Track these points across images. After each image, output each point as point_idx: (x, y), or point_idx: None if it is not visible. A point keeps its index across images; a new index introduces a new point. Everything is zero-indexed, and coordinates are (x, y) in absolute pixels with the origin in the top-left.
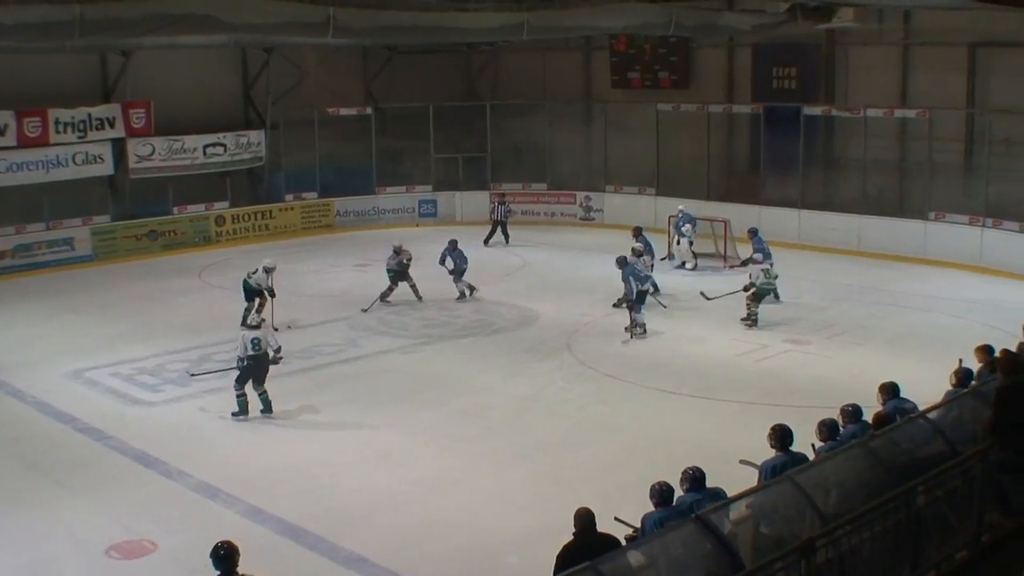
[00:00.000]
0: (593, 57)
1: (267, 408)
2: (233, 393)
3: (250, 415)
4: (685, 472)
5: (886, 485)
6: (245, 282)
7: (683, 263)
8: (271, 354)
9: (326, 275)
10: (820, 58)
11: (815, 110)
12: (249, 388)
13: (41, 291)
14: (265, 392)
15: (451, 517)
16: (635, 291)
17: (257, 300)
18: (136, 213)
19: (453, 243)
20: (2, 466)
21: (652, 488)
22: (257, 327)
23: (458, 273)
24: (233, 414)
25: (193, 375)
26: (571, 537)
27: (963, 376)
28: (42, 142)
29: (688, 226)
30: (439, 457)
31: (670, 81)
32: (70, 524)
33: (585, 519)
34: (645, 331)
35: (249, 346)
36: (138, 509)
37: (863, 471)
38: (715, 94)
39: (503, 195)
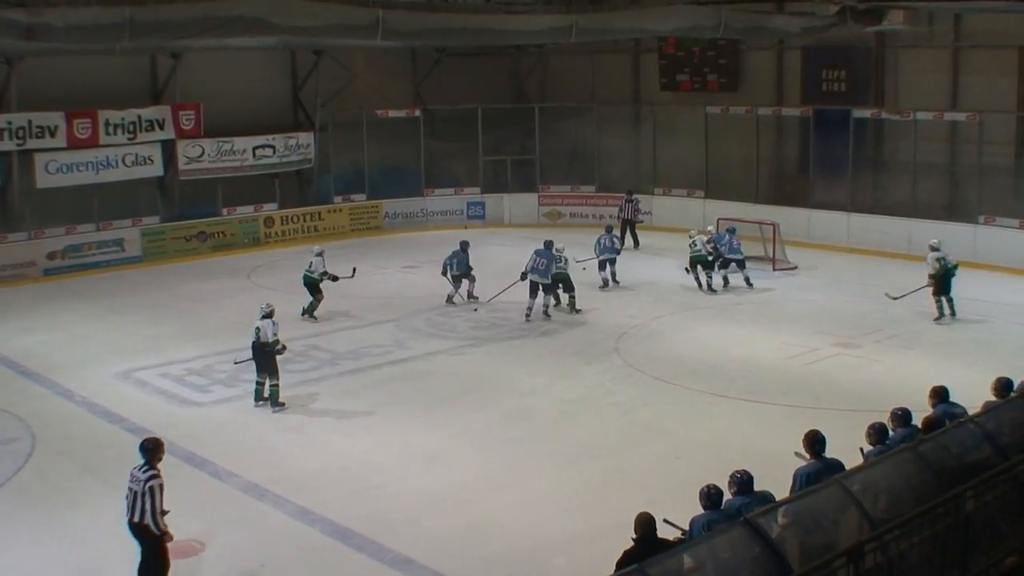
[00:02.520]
0: (642, 59)
1: (272, 401)
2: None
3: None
4: (733, 475)
5: (935, 490)
6: (305, 277)
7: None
8: (267, 344)
9: (374, 277)
10: (870, 61)
11: (864, 113)
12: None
13: (90, 292)
14: (276, 386)
15: (498, 519)
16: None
17: (319, 295)
18: (185, 214)
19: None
20: (52, 465)
21: (701, 491)
22: (266, 316)
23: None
24: (255, 402)
25: (237, 363)
26: (630, 543)
27: (1003, 387)
28: (92, 143)
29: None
30: (486, 459)
31: (719, 84)
32: (118, 524)
33: (646, 525)
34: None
35: (253, 333)
36: (186, 509)
37: (912, 475)
38: (764, 97)
39: (631, 192)
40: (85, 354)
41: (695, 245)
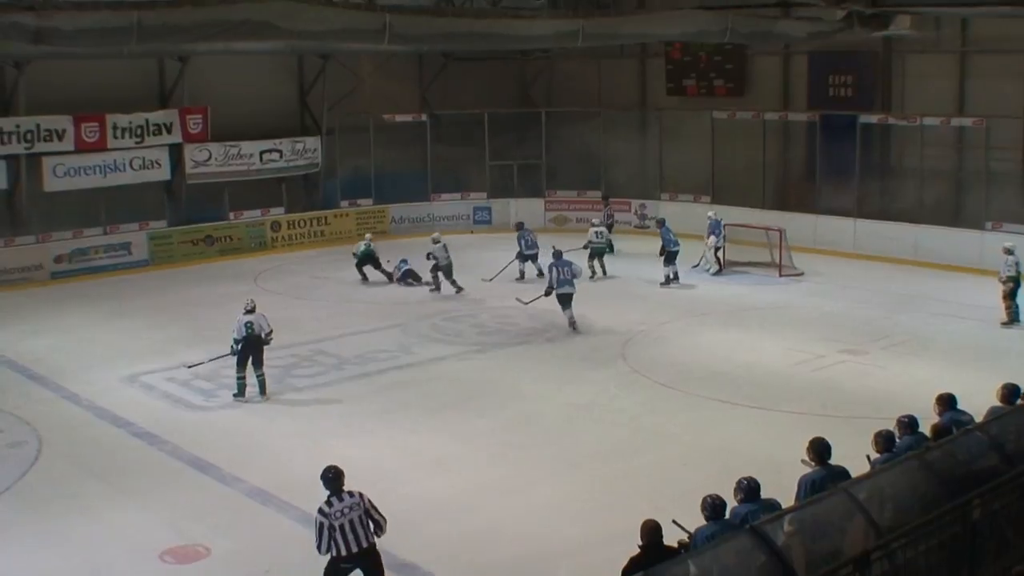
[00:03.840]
0: (648, 64)
1: (262, 390)
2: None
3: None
4: (739, 483)
5: (942, 498)
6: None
7: (708, 267)
8: (263, 336)
9: (380, 281)
10: (876, 66)
11: (871, 118)
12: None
13: (98, 295)
14: (263, 375)
15: (503, 525)
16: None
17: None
18: (192, 218)
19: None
20: (57, 469)
21: (704, 501)
22: (252, 311)
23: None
24: (234, 396)
25: (190, 367)
26: (636, 550)
27: (1010, 393)
28: (100, 147)
29: (712, 237)
30: (492, 465)
31: (725, 89)
32: (124, 528)
33: (652, 533)
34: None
35: (243, 329)
36: (192, 514)
37: (919, 483)
38: (771, 102)
39: (606, 198)
40: (91, 358)
41: (598, 236)
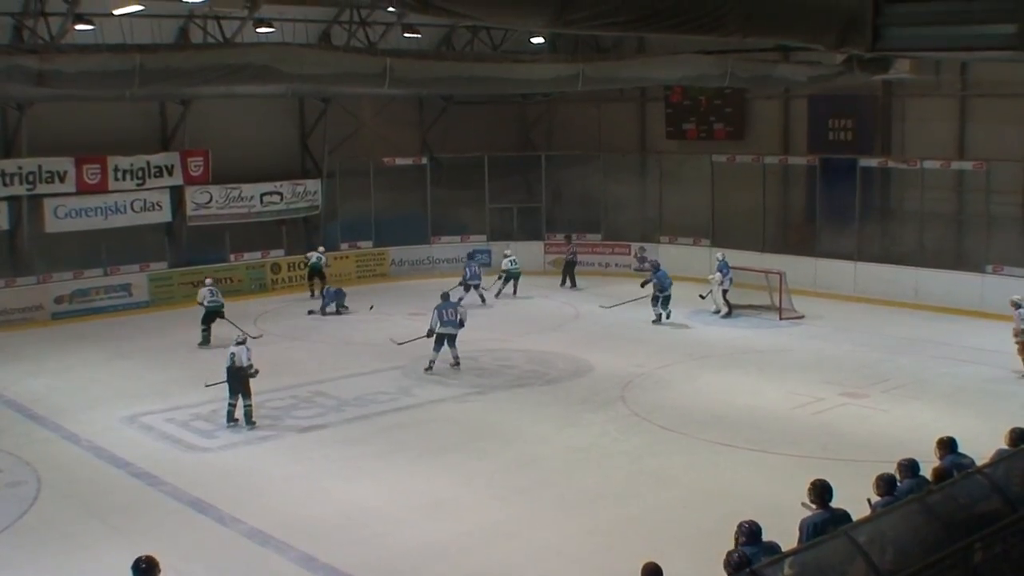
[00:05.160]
0: (648, 108)
1: (247, 420)
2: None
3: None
4: (741, 526)
5: (943, 541)
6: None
7: (717, 310)
8: (244, 368)
9: (380, 323)
10: (876, 109)
11: (871, 162)
12: None
13: (98, 336)
14: (249, 406)
15: (503, 569)
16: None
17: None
18: (193, 260)
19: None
20: (56, 509)
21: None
22: (239, 343)
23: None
24: (226, 423)
25: (208, 386)
26: None
27: (1018, 437)
28: (101, 189)
29: (718, 274)
30: (491, 508)
31: (725, 132)
32: (122, 568)
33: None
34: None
35: (227, 359)
36: (191, 555)
37: (920, 527)
38: (770, 146)
39: (569, 237)
40: (91, 398)
41: (513, 264)
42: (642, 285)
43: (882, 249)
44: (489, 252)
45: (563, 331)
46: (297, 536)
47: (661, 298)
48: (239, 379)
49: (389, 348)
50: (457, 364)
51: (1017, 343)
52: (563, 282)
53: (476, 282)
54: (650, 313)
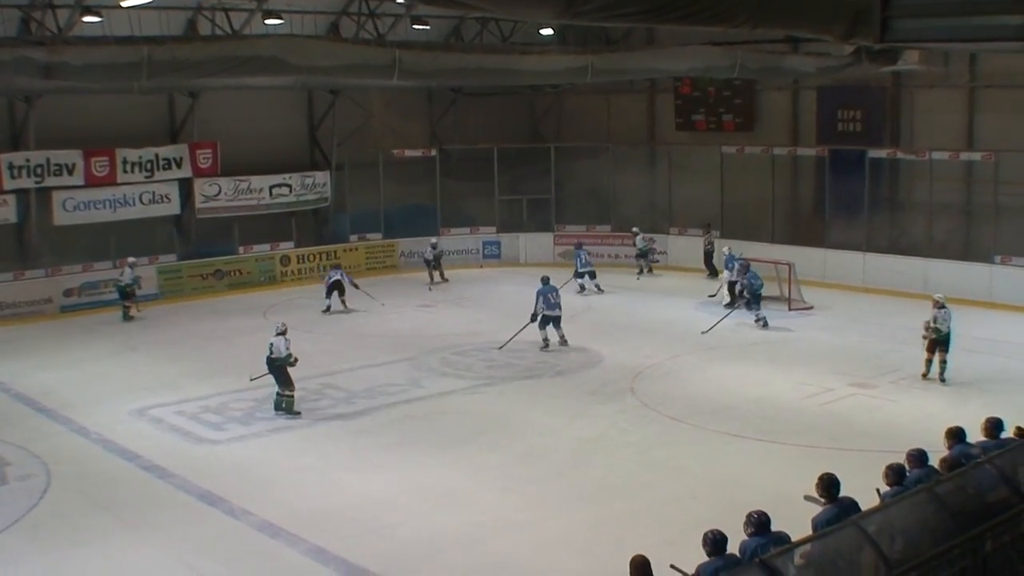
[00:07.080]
0: (657, 99)
1: (287, 410)
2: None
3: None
4: (750, 516)
5: (953, 531)
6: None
7: (723, 300)
8: (283, 358)
9: (390, 315)
10: (885, 101)
11: (880, 153)
12: None
13: (107, 329)
14: (290, 395)
15: (513, 559)
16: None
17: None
18: (202, 252)
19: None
20: (66, 503)
21: (704, 536)
22: (280, 334)
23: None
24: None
25: (253, 379)
26: None
27: (993, 427)
28: (110, 181)
29: (726, 272)
30: (501, 499)
31: (734, 124)
32: (133, 562)
33: (641, 568)
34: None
35: (267, 349)
36: (201, 547)
37: (929, 516)
38: (779, 137)
39: (708, 226)
40: (101, 391)
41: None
42: (729, 290)
43: (891, 240)
44: (499, 244)
45: (573, 323)
46: (307, 528)
47: (752, 299)
48: (276, 369)
49: (398, 340)
50: (565, 342)
51: (926, 339)
52: (709, 273)
53: (589, 269)
54: (657, 304)
